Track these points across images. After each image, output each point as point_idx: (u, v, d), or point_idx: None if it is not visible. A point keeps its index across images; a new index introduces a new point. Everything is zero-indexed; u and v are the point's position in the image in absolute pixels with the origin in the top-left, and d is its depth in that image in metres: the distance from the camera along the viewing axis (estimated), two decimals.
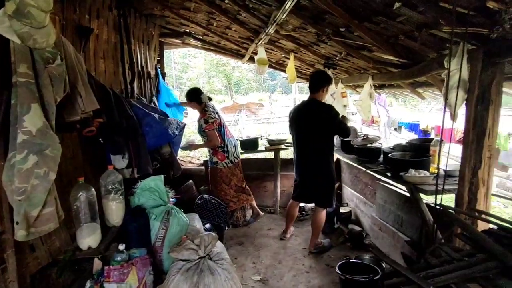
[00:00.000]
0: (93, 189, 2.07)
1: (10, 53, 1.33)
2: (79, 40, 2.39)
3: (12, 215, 1.53)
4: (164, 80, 4.64)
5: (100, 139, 2.38)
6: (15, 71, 1.33)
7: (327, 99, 4.14)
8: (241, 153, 4.60)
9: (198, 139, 4.36)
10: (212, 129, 3.90)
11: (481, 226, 1.96)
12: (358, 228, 3.81)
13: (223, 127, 4.09)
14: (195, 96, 4.02)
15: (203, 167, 4.77)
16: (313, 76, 3.50)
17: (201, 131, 4.02)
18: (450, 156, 2.08)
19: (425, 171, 2.59)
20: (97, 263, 2.13)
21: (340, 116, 3.39)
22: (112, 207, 2.32)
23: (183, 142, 4.17)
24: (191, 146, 4.13)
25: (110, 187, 2.29)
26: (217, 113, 4.07)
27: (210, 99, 4.09)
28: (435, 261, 1.49)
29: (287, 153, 6.62)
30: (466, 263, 1.42)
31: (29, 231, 1.48)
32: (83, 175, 2.09)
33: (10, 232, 1.58)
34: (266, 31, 3.24)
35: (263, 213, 4.31)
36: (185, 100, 4.16)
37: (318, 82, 3.38)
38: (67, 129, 1.97)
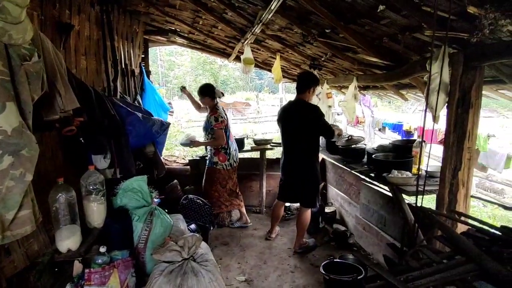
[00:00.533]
0: (73, 190, 2.01)
1: None
2: (59, 37, 2.32)
3: None
4: (149, 78, 4.57)
5: (81, 139, 2.32)
6: None
7: (313, 99, 4.17)
8: None
9: (199, 136, 4.23)
10: (220, 128, 3.82)
11: (461, 227, 2.00)
12: (342, 228, 3.85)
13: (229, 129, 4.03)
14: (209, 91, 3.91)
15: (188, 167, 4.72)
16: (300, 77, 3.53)
17: (208, 128, 3.91)
18: (432, 157, 2.12)
19: (408, 172, 2.64)
20: (77, 266, 2.08)
21: (324, 117, 3.41)
22: (93, 208, 2.26)
23: (183, 138, 4.06)
24: (193, 143, 3.97)
25: (91, 187, 2.23)
26: (225, 114, 4.01)
27: (222, 94, 4.03)
28: (415, 263, 1.51)
29: (273, 153, 6.64)
30: (446, 265, 1.44)
31: (4, 235, 1.43)
32: (63, 175, 2.03)
33: None
34: (252, 31, 3.23)
35: (250, 223, 4.27)
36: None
37: (305, 83, 3.40)
38: (46, 128, 1.91)
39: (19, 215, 1.46)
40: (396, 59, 2.70)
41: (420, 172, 2.56)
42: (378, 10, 1.93)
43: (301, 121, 3.29)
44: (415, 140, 3.15)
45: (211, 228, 3.94)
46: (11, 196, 1.39)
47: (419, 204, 1.96)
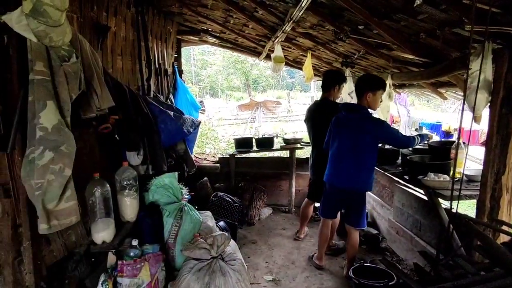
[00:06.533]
0: (108, 185, 2.10)
1: (27, 52, 1.36)
2: (96, 38, 2.43)
3: (29, 209, 1.58)
4: (181, 77, 4.67)
5: (116, 136, 2.41)
6: (32, 69, 1.36)
7: (344, 98, 4.07)
8: (256, 151, 4.62)
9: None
10: None
11: (503, 237, 1.87)
12: (374, 231, 3.73)
13: None
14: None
15: (218, 165, 4.78)
16: (325, 75, 3.50)
17: None
18: (473, 160, 1.98)
19: (445, 175, 2.50)
20: (111, 258, 2.17)
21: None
22: (127, 203, 2.35)
23: None
24: None
25: (125, 183, 2.32)
26: None
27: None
28: (448, 274, 1.43)
29: (303, 152, 6.56)
30: (482, 278, 1.34)
31: (51, 224, 1.52)
32: (99, 171, 2.13)
33: (27, 225, 1.63)
34: (283, 29, 3.20)
35: None
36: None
37: (330, 81, 3.37)
38: (84, 125, 2.01)
39: (65, 206, 1.56)
40: (434, 56, 2.56)
41: (459, 176, 2.42)
42: (415, 5, 1.84)
43: (323, 121, 3.23)
44: (453, 141, 2.97)
45: (240, 226, 3.98)
46: (51, 189, 1.48)
47: (455, 210, 1.85)
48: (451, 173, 2.55)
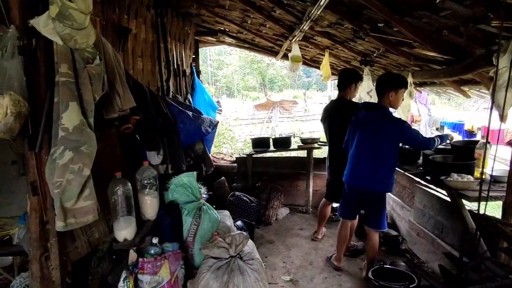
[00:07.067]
0: (129, 184, 2.15)
1: (54, 54, 1.41)
2: (118, 40, 2.49)
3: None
4: (199, 78, 4.72)
5: (137, 136, 2.46)
6: (57, 71, 1.41)
7: (363, 97, 4.01)
8: (273, 151, 4.60)
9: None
10: None
11: None
12: (394, 232, 3.66)
13: None
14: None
15: (235, 164, 4.81)
16: (341, 74, 3.47)
17: None
18: (499, 160, 1.92)
19: (469, 176, 2.42)
20: (132, 255, 2.22)
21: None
22: (147, 202, 2.40)
23: None
24: None
25: (145, 182, 2.36)
26: None
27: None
28: (476, 277, 1.38)
29: (321, 152, 6.51)
30: (511, 281, 1.30)
31: (67, 222, 1.57)
32: (120, 170, 2.18)
33: (53, 222, 1.68)
34: (301, 28, 3.19)
35: None
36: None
37: (346, 80, 3.34)
38: (107, 126, 2.06)
39: (83, 205, 1.60)
40: (457, 53, 2.49)
41: (484, 176, 2.34)
42: (437, 1, 1.79)
43: (339, 120, 3.19)
44: (477, 141, 2.88)
45: (258, 226, 3.98)
46: (70, 188, 1.53)
47: (482, 211, 1.79)
48: (476, 173, 2.48)
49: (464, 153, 2.79)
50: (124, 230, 2.11)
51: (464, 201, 2.40)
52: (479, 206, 1.79)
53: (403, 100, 2.83)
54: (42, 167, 1.60)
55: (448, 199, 2.84)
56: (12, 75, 1.35)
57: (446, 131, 8.64)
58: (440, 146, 2.99)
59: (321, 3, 2.43)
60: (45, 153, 1.59)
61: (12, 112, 1.30)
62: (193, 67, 4.52)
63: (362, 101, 3.79)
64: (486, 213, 1.90)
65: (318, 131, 12.49)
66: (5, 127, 1.32)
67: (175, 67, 3.80)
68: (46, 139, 1.57)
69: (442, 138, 2.84)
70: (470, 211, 2.45)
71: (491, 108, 1.71)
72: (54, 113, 1.45)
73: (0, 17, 1.48)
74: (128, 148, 2.50)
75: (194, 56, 4.80)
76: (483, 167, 1.90)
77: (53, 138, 1.47)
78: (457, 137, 7.75)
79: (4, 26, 1.48)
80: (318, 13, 2.65)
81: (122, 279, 2.07)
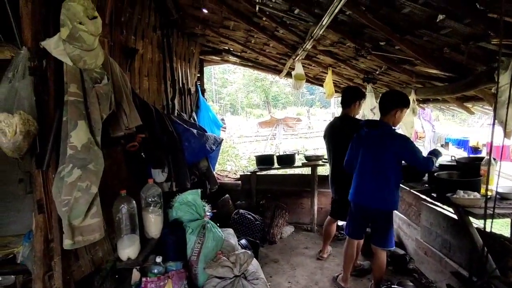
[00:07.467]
0: (134, 202, 2.15)
1: (63, 75, 1.45)
2: (125, 60, 2.55)
3: (60, 225, 1.64)
4: (204, 96, 4.79)
5: (142, 154, 2.48)
6: (67, 91, 1.44)
7: (366, 114, 4.03)
8: (277, 168, 4.57)
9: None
10: None
11: None
12: (401, 251, 3.59)
13: None
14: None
15: (239, 182, 4.80)
16: (345, 91, 3.50)
17: None
18: (505, 176, 1.90)
19: (475, 193, 2.40)
20: (135, 275, 2.19)
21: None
22: (151, 220, 2.39)
23: None
24: None
25: (150, 200, 2.36)
26: None
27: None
28: None
29: (325, 169, 6.48)
30: None
31: (75, 240, 1.57)
32: (126, 187, 2.19)
33: (58, 241, 1.68)
34: (304, 47, 3.25)
35: None
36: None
37: (349, 98, 3.37)
38: (113, 144, 2.08)
39: (90, 223, 1.60)
40: (459, 70, 2.51)
41: (490, 193, 2.31)
42: (438, 20, 1.83)
43: (342, 137, 3.19)
44: (483, 157, 2.86)
45: (262, 245, 3.93)
46: (77, 206, 1.53)
47: (488, 229, 1.76)
48: (483, 190, 2.45)
49: (470, 169, 2.77)
50: (128, 249, 2.09)
51: (472, 219, 2.37)
52: (485, 224, 1.76)
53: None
54: (49, 185, 1.61)
55: (454, 216, 2.81)
56: (22, 95, 1.39)
57: (451, 147, 8.60)
58: (445, 163, 2.97)
59: (323, 23, 2.49)
60: (52, 171, 1.61)
61: (21, 131, 1.33)
62: (198, 86, 4.60)
63: (365, 118, 3.80)
64: (495, 231, 1.87)
65: (322, 148, 12.46)
66: (13, 145, 1.35)
67: (181, 85, 3.87)
68: (53, 157, 1.60)
69: (436, 155, 2.85)
70: (478, 229, 2.41)
71: (493, 124, 1.72)
72: (63, 132, 1.47)
73: (12, 39, 1.53)
74: (134, 165, 2.52)
75: (199, 75, 4.88)
76: (487, 184, 1.88)
77: (61, 156, 1.49)
78: (462, 153, 7.70)
79: (16, 47, 1.53)
80: (321, 32, 2.71)
81: None
